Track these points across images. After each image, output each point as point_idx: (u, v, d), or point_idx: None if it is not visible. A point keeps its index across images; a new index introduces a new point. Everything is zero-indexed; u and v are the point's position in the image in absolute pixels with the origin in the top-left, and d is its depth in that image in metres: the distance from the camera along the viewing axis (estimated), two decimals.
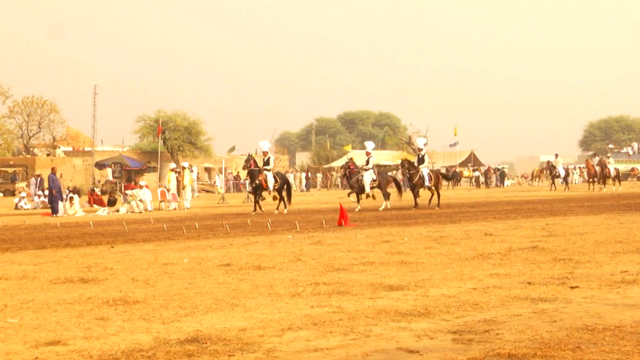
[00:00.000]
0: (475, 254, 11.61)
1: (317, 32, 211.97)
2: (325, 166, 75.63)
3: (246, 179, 29.89)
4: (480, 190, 54.82)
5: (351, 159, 29.92)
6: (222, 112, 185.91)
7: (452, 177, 30.00)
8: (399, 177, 33.20)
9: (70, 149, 77.59)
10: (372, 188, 28.32)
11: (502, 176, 68.09)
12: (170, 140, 69.07)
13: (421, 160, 28.59)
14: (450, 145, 76.36)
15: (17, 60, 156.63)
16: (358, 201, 27.96)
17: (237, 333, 6.41)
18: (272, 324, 6.75)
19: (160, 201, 33.63)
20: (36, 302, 8.12)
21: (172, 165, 36.87)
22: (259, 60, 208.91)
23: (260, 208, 27.09)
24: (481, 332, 6.30)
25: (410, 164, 28.63)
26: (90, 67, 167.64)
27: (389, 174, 34.71)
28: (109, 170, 60.97)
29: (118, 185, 54.72)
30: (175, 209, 32.66)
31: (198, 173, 62.96)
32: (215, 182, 61.76)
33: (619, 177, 43.84)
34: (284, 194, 27.47)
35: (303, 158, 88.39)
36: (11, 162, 63.61)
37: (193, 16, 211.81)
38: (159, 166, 57.97)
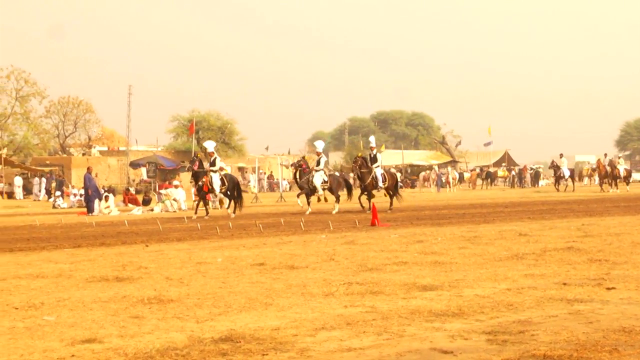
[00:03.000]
0: (510, 254, 11.52)
1: (350, 34, 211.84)
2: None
3: (191, 182, 28.71)
4: (515, 190, 54.39)
5: (303, 157, 28.49)
6: (256, 112, 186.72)
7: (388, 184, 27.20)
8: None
9: (105, 148, 78.40)
10: (323, 190, 27.03)
11: (536, 176, 67.47)
12: (204, 140, 69.41)
13: (374, 160, 27.09)
14: (485, 145, 75.90)
15: (53, 60, 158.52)
16: (308, 203, 26.60)
17: (270, 332, 6.42)
18: (306, 324, 6.76)
19: (194, 200, 33.77)
20: (72, 300, 8.20)
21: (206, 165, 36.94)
22: (293, 61, 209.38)
23: (207, 213, 25.99)
24: (516, 333, 6.25)
25: (364, 161, 27.01)
26: (125, 68, 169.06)
27: (336, 174, 32.89)
28: (143, 170, 61.51)
29: (152, 184, 55.21)
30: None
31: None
32: (248, 182, 62.00)
33: (629, 178, 43.18)
34: (233, 202, 26.52)
35: (336, 158, 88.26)
36: (47, 162, 64.36)
37: (227, 19, 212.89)
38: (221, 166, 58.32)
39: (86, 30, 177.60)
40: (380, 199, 28.07)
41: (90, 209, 30.48)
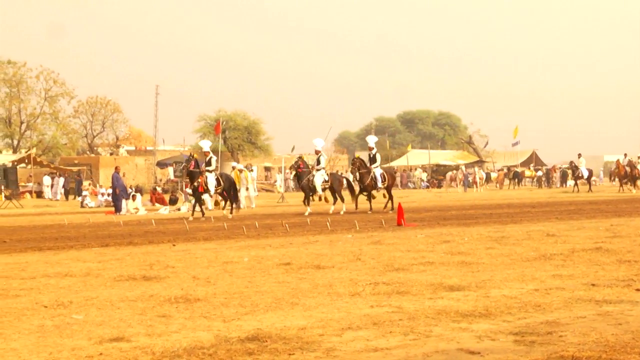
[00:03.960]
0: (537, 254, 11.45)
1: (377, 34, 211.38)
2: (385, 166, 75.44)
3: (185, 181, 28.32)
4: (542, 190, 54.04)
5: (300, 157, 27.91)
6: (282, 112, 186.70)
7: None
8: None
9: (133, 148, 78.98)
10: (324, 189, 26.51)
11: (563, 176, 66.92)
12: (231, 140, 69.64)
13: (373, 160, 26.85)
14: (512, 145, 75.37)
15: (82, 61, 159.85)
16: (308, 204, 26.07)
17: (297, 332, 6.43)
18: (332, 323, 6.76)
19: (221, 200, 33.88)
20: (100, 299, 8.27)
21: (234, 164, 36.97)
22: (319, 62, 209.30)
23: (202, 214, 25.66)
24: (543, 334, 6.21)
25: (362, 162, 26.68)
26: (153, 68, 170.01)
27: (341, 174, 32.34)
28: (170, 170, 61.81)
29: (179, 184, 55.43)
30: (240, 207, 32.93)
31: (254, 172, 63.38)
32: (275, 181, 62.12)
33: None
34: (228, 203, 26.17)
35: (362, 157, 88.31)
36: (76, 161, 64.94)
37: (254, 21, 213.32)
38: (219, 166, 58.59)
39: (113, 30, 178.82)
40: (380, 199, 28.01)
41: (118, 208, 30.70)
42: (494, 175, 66.40)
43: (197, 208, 25.96)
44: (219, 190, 26.01)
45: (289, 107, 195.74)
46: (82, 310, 7.67)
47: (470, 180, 56.80)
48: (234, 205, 26.57)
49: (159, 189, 42.81)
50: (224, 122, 64.93)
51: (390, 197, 26.98)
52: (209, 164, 26.02)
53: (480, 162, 74.65)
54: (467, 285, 8.69)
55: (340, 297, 8.16)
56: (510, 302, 7.64)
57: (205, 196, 27.70)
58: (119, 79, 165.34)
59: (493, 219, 21.04)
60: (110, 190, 35.69)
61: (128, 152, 75.04)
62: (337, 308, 7.51)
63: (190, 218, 24.58)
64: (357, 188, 27.86)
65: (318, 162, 26.62)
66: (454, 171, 61.59)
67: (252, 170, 51.58)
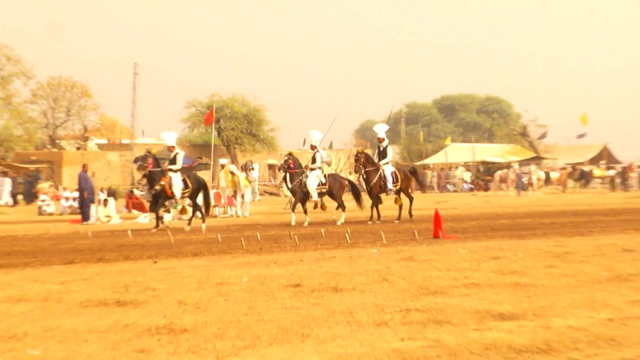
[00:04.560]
0: (611, 275, 11.38)
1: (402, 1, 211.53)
2: (418, 163, 75.35)
3: (142, 182, 27.71)
4: (617, 194, 53.87)
5: (290, 153, 27.18)
6: (291, 97, 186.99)
7: (417, 178, 26.19)
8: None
9: (105, 141, 79.11)
10: (321, 194, 26.26)
11: None
12: (226, 131, 69.91)
13: (383, 154, 26.85)
14: (578, 137, 75.11)
15: (42, 34, 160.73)
16: (305, 211, 26.08)
17: None
18: None
19: (214, 206, 33.99)
20: (62, 330, 8.25)
21: (223, 160, 36.87)
22: (336, 35, 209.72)
23: (162, 222, 25.45)
24: None
25: (368, 158, 26.62)
26: (130, 43, 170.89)
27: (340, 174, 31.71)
28: None
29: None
30: (232, 215, 32.98)
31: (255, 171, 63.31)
32: (281, 183, 62.21)
33: None
34: (199, 211, 25.70)
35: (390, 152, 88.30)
36: (34, 158, 64.95)
37: None
38: (212, 163, 58.68)
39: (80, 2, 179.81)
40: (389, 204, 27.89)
41: (85, 216, 30.81)
42: (554, 175, 66.27)
43: (173, 215, 26.00)
44: (186, 195, 25.61)
45: (299, 91, 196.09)
46: (40, 343, 7.65)
47: (525, 182, 56.65)
48: (203, 214, 25.92)
49: (137, 192, 42.90)
50: (219, 110, 65.01)
51: (410, 200, 27.25)
52: (173, 161, 25.58)
53: (537, 159, 74.45)
54: (522, 313, 8.64)
55: (363, 327, 8.12)
56: (577, 334, 7.58)
57: (167, 215, 27.61)
58: (88, 56, 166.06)
59: (554, 229, 20.94)
60: (76, 194, 35.79)
61: (99, 146, 75.25)
62: (359, 341, 7.47)
63: (154, 230, 24.39)
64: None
65: (313, 160, 26.42)
66: (505, 170, 61.43)
67: (252, 169, 51.82)
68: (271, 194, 60.76)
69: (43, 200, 40.30)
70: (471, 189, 65.74)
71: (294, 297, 10.07)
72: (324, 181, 26.27)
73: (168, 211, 27.89)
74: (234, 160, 67.38)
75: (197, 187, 25.90)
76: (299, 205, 26.56)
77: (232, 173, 33.61)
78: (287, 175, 26.34)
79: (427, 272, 12.08)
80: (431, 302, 9.41)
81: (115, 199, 36.78)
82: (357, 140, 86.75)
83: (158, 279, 12.04)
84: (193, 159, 65.08)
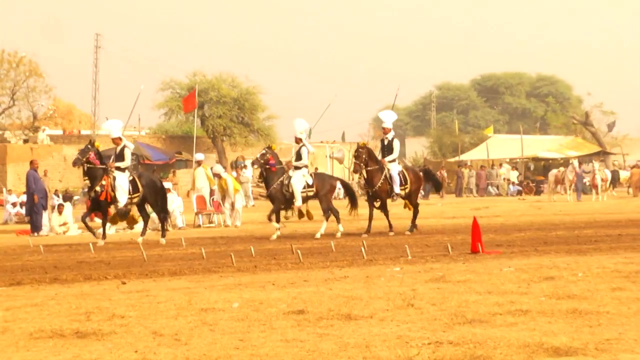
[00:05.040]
0: None
1: None
2: (452, 160, 75.30)
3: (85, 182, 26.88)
4: None
5: (270, 147, 26.92)
6: (293, 77, 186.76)
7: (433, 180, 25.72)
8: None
9: (60, 132, 79.07)
10: (306, 199, 26.08)
11: None
12: (212, 119, 69.90)
13: (388, 149, 26.60)
14: None
15: None
16: (278, 220, 25.99)
17: None
18: None
19: (197, 213, 34.03)
20: None
21: (199, 156, 36.74)
22: (347, 6, 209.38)
23: (102, 236, 25.12)
24: None
25: (370, 154, 26.40)
26: (91, 8, 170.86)
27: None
28: None
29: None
30: (220, 224, 33.03)
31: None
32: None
33: None
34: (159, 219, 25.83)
35: (417, 147, 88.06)
36: None
37: None
38: (194, 159, 58.80)
39: None
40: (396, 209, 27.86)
41: (35, 226, 30.78)
42: (624, 174, 66.03)
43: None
44: (135, 200, 25.56)
45: (303, 70, 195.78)
46: None
47: (587, 183, 56.56)
48: (163, 224, 26.05)
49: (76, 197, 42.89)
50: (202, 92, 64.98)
51: (414, 211, 26.71)
52: (120, 157, 25.56)
53: (602, 155, 74.27)
54: (581, 348, 8.66)
55: None
56: None
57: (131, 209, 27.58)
58: (38, 25, 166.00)
59: (623, 243, 20.92)
60: (24, 198, 35.78)
61: (52, 138, 75.20)
62: None
63: (100, 242, 24.20)
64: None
65: (298, 157, 26.27)
66: (561, 169, 61.27)
67: (244, 168, 51.83)
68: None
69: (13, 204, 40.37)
70: (519, 192, 65.59)
71: (297, 327, 10.10)
72: (310, 182, 26.09)
73: (116, 221, 27.44)
74: (221, 157, 67.39)
75: (150, 191, 25.73)
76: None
77: (219, 176, 33.50)
78: (265, 174, 26.12)
79: (462, 296, 12.10)
80: (468, 334, 9.44)
81: (73, 204, 36.83)
82: (376, 131, 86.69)
83: (127, 305, 12.07)
84: (170, 155, 65.15)
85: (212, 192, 34.10)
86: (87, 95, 71.81)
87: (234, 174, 45.14)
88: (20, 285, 15.12)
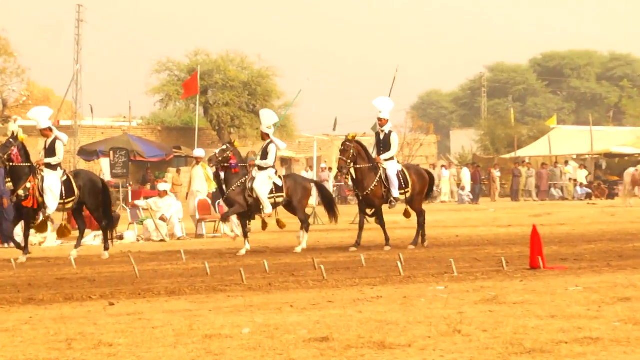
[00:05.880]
0: None
1: None
2: (507, 156, 75.24)
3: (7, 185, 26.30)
4: None
5: (231, 143, 26.82)
6: (315, 57, 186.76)
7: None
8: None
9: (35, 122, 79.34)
10: (276, 205, 25.94)
11: None
12: (217, 107, 69.92)
13: (384, 145, 26.17)
14: None
15: None
16: (244, 233, 26.06)
17: None
18: None
19: (200, 220, 34.07)
20: None
21: (198, 152, 36.68)
22: None
23: (25, 248, 24.93)
24: None
25: (361, 149, 25.90)
26: None
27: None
28: (104, 163, 62.06)
29: (122, 190, 55.76)
30: (225, 234, 33.08)
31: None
32: None
33: None
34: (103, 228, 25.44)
35: (464, 140, 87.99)
36: None
37: None
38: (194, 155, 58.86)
39: None
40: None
41: (5, 236, 30.84)
42: None
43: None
44: (69, 205, 25.21)
45: (327, 48, 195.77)
46: None
47: None
48: (106, 234, 25.84)
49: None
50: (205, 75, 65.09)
51: (420, 219, 26.12)
52: (50, 152, 25.32)
53: None
54: None
55: None
56: None
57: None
58: None
59: None
60: None
61: (24, 129, 75.25)
62: None
63: (22, 258, 24.04)
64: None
65: (264, 155, 26.15)
66: (639, 167, 61.17)
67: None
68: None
69: None
70: (588, 196, 65.46)
71: (320, 357, 10.13)
72: (280, 184, 25.94)
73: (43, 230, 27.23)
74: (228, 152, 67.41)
75: (89, 194, 25.43)
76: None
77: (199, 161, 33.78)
78: (223, 175, 25.91)
79: (520, 321, 12.12)
80: None
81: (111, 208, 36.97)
82: (415, 121, 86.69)
83: (116, 330, 12.12)
84: (167, 150, 65.11)
85: (209, 195, 34.02)
86: (67, 79, 71.39)
87: None
88: None
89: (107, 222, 25.95)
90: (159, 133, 70.49)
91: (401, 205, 26.18)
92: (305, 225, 25.94)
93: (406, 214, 26.39)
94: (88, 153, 64.05)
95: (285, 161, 74.72)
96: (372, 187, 25.35)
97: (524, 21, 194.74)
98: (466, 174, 65.50)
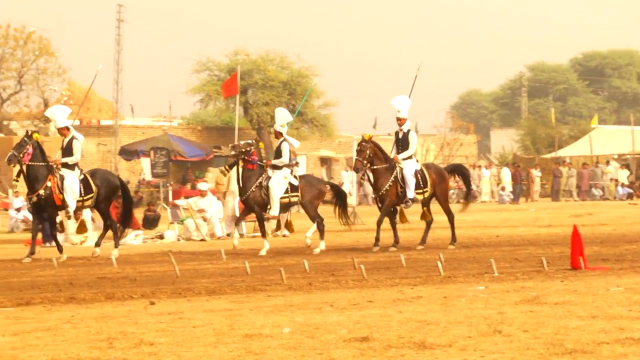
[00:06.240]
0: None
1: None
2: (548, 156, 74.96)
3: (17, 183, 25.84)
4: None
5: (257, 140, 26.86)
6: (354, 55, 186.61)
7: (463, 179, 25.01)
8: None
9: (77, 122, 79.38)
10: (289, 206, 26.10)
11: None
12: (257, 107, 69.89)
13: (403, 144, 25.89)
14: None
15: None
16: (263, 234, 25.87)
17: None
18: None
19: (239, 219, 34.04)
20: None
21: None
22: None
23: (59, 250, 24.93)
24: None
25: (377, 150, 25.73)
26: None
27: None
28: (144, 163, 62.14)
29: (162, 189, 55.82)
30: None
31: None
32: (340, 184, 62.16)
33: None
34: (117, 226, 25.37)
35: (504, 140, 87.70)
36: None
37: None
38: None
39: None
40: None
41: (47, 235, 30.92)
42: None
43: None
44: (88, 203, 25.41)
45: (367, 47, 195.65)
46: None
47: None
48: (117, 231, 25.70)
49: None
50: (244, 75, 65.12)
51: (449, 217, 26.07)
52: (67, 151, 25.16)
53: None
54: None
55: None
56: None
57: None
58: None
59: None
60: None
61: None
62: None
63: (26, 259, 23.92)
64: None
65: (278, 153, 26.07)
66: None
67: (296, 165, 51.78)
68: (324, 201, 60.85)
69: (17, 209, 40.59)
70: (629, 196, 65.10)
71: (360, 357, 10.12)
72: (295, 183, 25.81)
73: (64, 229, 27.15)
74: (267, 152, 67.36)
75: (107, 192, 25.42)
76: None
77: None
78: (241, 172, 25.71)
79: (561, 321, 12.07)
80: None
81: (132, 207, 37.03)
82: (455, 120, 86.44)
83: (157, 329, 12.15)
84: (207, 150, 65.11)
85: None
86: (108, 79, 71.38)
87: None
88: (30, 306, 15.23)
89: (125, 222, 26.20)
90: (199, 133, 70.48)
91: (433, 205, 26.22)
92: (319, 222, 25.74)
93: (423, 216, 26.19)
94: (129, 153, 64.16)
95: (325, 161, 74.62)
96: (386, 186, 25.21)
97: (565, 21, 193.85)
98: (506, 174, 65.36)
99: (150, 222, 37.73)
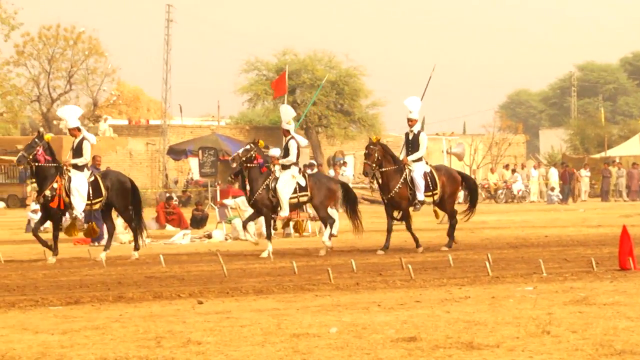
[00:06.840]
0: None
1: None
2: (597, 156, 74.58)
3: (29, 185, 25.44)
4: None
5: (255, 143, 26.16)
6: (402, 54, 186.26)
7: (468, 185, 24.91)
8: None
9: (126, 122, 79.63)
10: (298, 206, 26.08)
11: None
12: (305, 107, 69.83)
13: (413, 145, 25.50)
14: None
15: None
16: (268, 236, 25.29)
17: None
18: None
19: (287, 220, 34.02)
20: None
21: (274, 152, 36.45)
22: None
23: (54, 248, 24.37)
24: None
25: (385, 152, 25.52)
26: None
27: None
28: (192, 162, 62.24)
29: (210, 189, 55.90)
30: (315, 233, 33.04)
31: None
32: None
33: None
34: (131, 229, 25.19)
35: (553, 140, 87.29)
36: (20, 147, 65.42)
37: None
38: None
39: None
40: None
41: (97, 234, 30.98)
42: None
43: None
44: (97, 206, 25.10)
45: (416, 46, 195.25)
46: None
47: None
48: (136, 234, 25.40)
49: (174, 199, 43.22)
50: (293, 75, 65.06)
51: (451, 221, 25.85)
52: (77, 152, 24.81)
53: None
54: None
55: None
56: None
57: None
58: None
59: None
60: None
61: (115, 129, 75.78)
62: None
63: (51, 259, 23.81)
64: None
65: (286, 152, 25.80)
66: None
67: (344, 165, 51.78)
68: (372, 201, 60.65)
69: (34, 211, 40.69)
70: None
71: (408, 357, 10.10)
72: (303, 184, 25.41)
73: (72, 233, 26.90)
74: (316, 152, 67.39)
75: (117, 195, 25.24)
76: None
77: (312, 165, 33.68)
78: (247, 174, 25.40)
79: (610, 322, 12.00)
80: None
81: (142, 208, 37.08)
82: (504, 120, 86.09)
83: (205, 328, 12.18)
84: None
85: None
86: (157, 79, 71.48)
87: (332, 172, 45.00)
88: (78, 305, 15.27)
89: (137, 224, 25.65)
90: (247, 132, 70.43)
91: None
92: (329, 226, 25.44)
93: (437, 215, 26.29)
94: (177, 152, 64.23)
95: None
96: (396, 189, 24.98)
97: (614, 20, 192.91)
98: (554, 174, 65.00)
99: (198, 221, 37.87)
